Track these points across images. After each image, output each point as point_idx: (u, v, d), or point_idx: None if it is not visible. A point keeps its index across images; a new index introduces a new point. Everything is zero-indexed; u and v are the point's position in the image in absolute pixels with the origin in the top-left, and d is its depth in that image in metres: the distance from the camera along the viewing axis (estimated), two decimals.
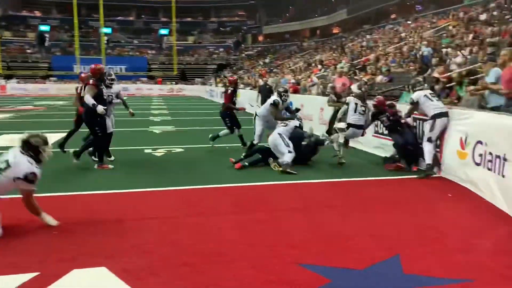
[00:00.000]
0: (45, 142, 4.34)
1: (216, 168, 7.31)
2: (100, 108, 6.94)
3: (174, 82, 50.56)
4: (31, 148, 4.22)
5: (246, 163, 7.28)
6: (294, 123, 7.63)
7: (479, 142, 5.66)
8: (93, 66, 7.38)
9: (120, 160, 7.57)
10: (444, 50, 14.94)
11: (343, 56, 26.09)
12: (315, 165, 7.57)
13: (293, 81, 18.57)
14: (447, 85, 9.93)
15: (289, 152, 7.02)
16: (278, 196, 5.79)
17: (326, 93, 11.82)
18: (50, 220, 4.33)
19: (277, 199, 5.61)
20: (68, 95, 38.72)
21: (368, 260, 3.55)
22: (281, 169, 6.95)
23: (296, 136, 7.46)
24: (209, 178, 6.57)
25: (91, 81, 7.10)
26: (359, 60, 21.50)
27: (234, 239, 4.03)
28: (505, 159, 4.98)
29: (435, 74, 11.20)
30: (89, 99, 6.91)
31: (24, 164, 4.10)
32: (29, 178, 4.11)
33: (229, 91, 9.79)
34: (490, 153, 5.34)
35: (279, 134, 7.31)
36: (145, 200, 5.46)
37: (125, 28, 65.74)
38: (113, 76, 7.77)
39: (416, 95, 6.98)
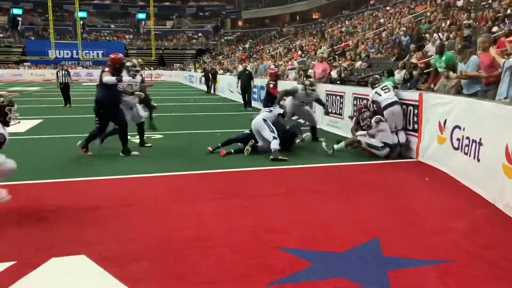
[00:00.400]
0: (11, 103, 4.15)
1: (197, 155, 7.25)
2: (127, 78, 7.05)
3: (152, 68, 49.91)
4: None
5: (232, 150, 7.24)
6: (278, 110, 7.71)
7: (457, 127, 5.75)
8: (112, 55, 7.25)
9: (99, 147, 7.42)
10: (422, 35, 15.07)
11: (323, 41, 26.09)
12: (295, 151, 7.59)
13: (273, 66, 18.52)
14: (425, 71, 10.06)
15: (274, 138, 7.01)
16: (259, 181, 5.80)
17: (299, 74, 11.90)
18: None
19: (258, 185, 5.62)
20: (42, 80, 37.94)
21: (348, 244, 3.59)
22: (270, 157, 6.84)
23: (277, 124, 7.48)
24: (190, 165, 6.52)
25: (106, 69, 6.96)
26: (338, 45, 21.53)
27: (215, 225, 4.02)
28: (480, 144, 5.08)
29: (413, 60, 11.31)
30: (110, 79, 6.76)
31: None
32: None
33: (272, 84, 9.81)
34: (467, 138, 5.43)
35: (264, 119, 7.31)
36: (125, 187, 5.38)
37: (101, 12, 64.23)
38: (138, 67, 7.81)
39: (370, 96, 7.57)
